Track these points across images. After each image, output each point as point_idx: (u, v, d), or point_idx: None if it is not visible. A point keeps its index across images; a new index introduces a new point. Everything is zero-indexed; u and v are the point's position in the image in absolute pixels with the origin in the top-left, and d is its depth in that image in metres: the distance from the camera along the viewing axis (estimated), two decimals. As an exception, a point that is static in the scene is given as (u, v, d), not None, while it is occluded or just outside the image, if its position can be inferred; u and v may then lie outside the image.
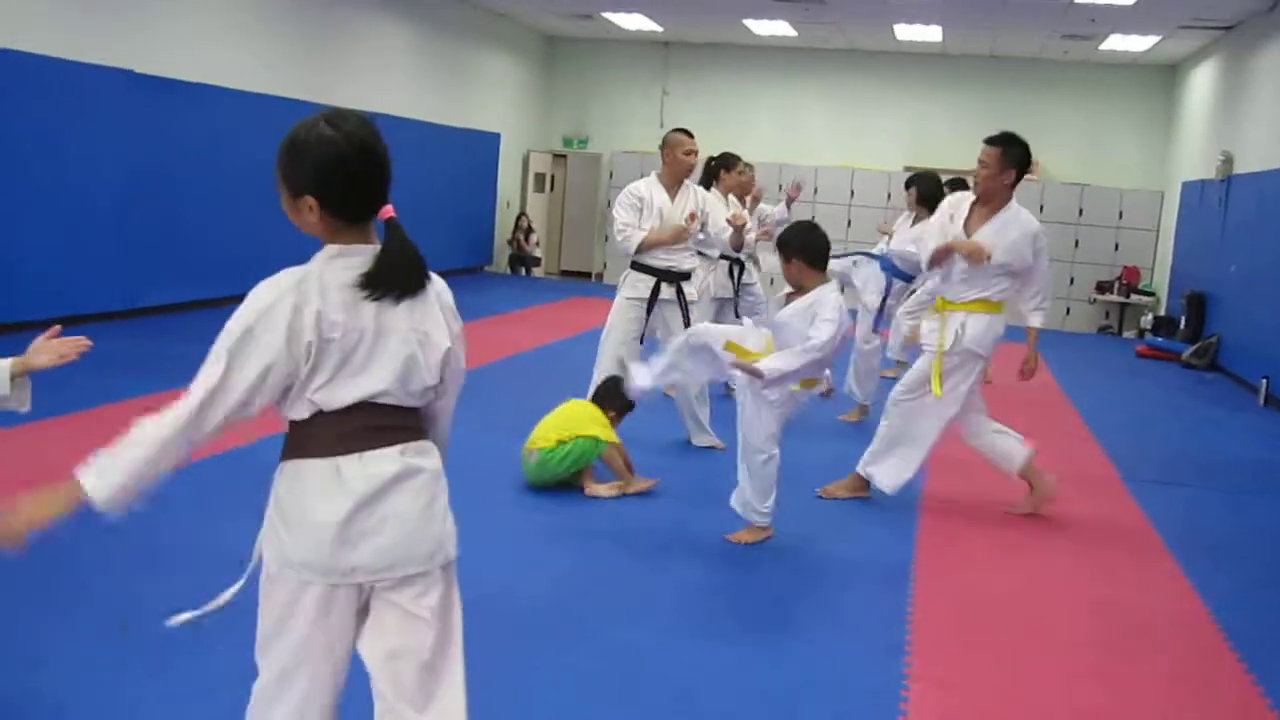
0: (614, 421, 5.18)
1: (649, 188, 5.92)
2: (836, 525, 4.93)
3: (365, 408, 1.95)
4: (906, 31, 13.49)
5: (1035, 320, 5.12)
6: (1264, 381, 9.18)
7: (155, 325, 8.47)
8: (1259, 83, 10.68)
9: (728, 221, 6.08)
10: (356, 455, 1.95)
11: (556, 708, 3.06)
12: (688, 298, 5.94)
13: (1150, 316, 13.27)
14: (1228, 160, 11.10)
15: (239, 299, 1.94)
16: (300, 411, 1.95)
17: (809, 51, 15.53)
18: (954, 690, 3.37)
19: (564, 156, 16.79)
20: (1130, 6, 10.78)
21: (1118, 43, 12.92)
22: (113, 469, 1.83)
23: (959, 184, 8.76)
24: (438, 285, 2.08)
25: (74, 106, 8.16)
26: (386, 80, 12.70)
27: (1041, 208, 13.07)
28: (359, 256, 1.95)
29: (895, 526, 4.96)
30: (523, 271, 15.72)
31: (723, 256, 7.23)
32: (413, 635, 2.01)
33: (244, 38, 10.23)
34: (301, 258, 1.98)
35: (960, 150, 14.95)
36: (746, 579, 4.21)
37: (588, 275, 16.31)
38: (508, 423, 5.37)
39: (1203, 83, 13.00)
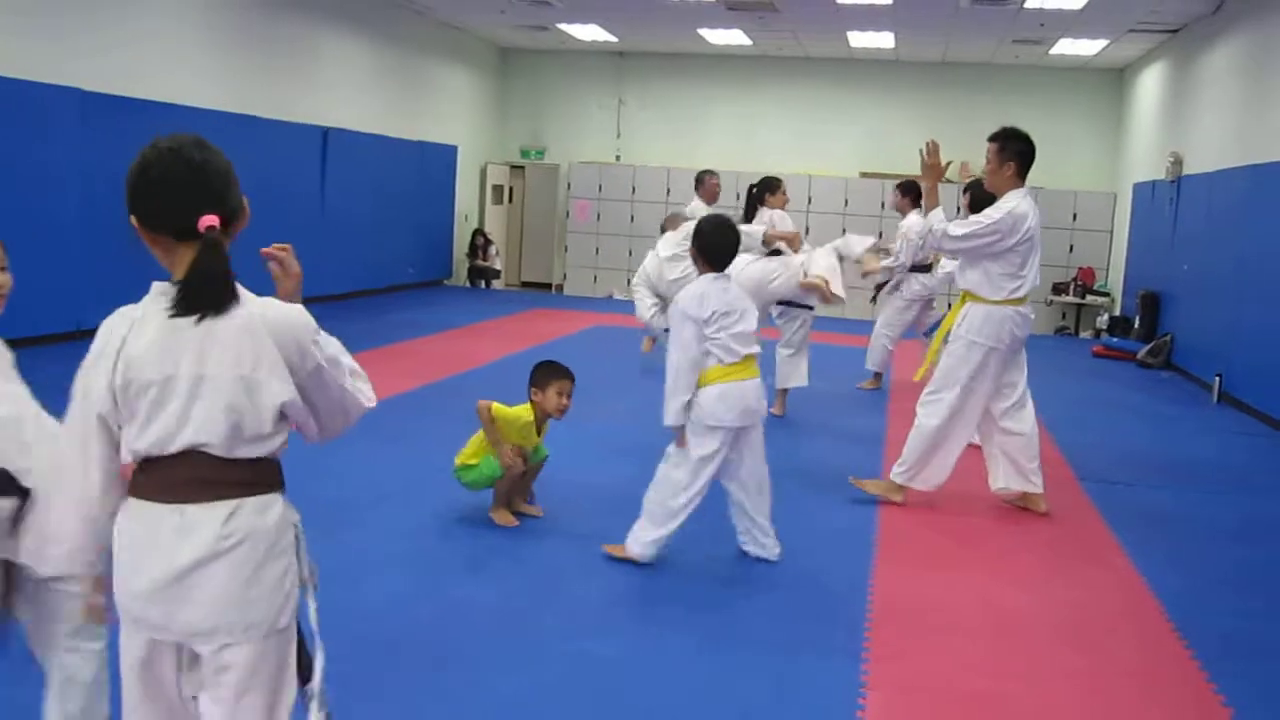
0: (539, 404, 4.70)
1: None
2: (797, 524, 4.91)
3: (190, 457, 1.87)
4: (860, 39, 13.59)
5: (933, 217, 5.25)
6: (1217, 379, 9.29)
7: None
8: (1206, 84, 10.84)
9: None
10: (178, 508, 1.87)
11: (512, 726, 3.03)
12: None
13: (1106, 317, 13.41)
14: (1177, 161, 11.25)
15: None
16: (126, 455, 1.91)
17: (764, 60, 15.61)
18: (912, 694, 3.37)
19: (522, 168, 16.75)
20: (1078, 11, 10.92)
21: (1067, 47, 13.08)
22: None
23: (911, 187, 8.90)
24: (286, 321, 1.92)
25: (29, 127, 8.04)
26: (342, 95, 12.63)
27: (996, 211, 13.17)
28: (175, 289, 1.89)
29: (853, 531, 4.96)
30: (483, 284, 15.65)
31: None
32: (217, 702, 1.94)
33: (199, 55, 10.13)
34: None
35: (916, 155, 15.07)
36: (704, 588, 4.19)
37: (548, 286, 16.27)
38: (463, 439, 5.31)
39: (1151, 85, 13.18)
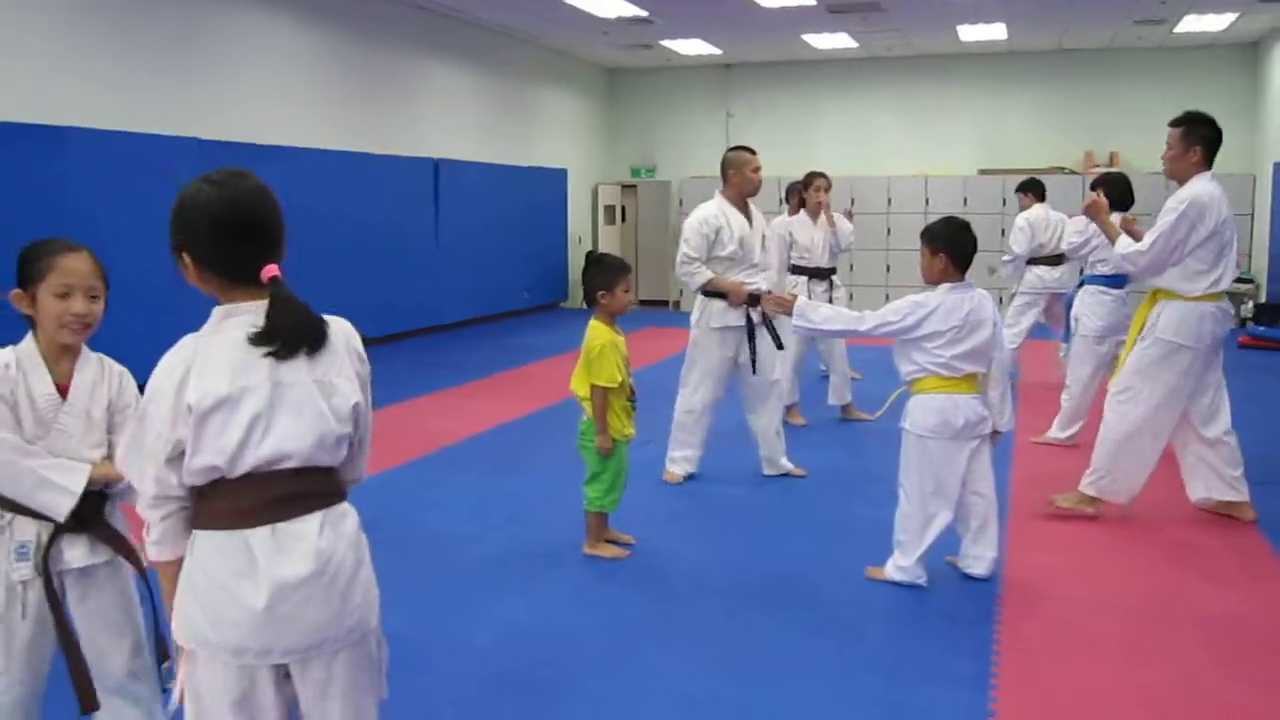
0: (606, 307, 4.53)
1: (721, 212, 5.63)
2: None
3: (272, 476, 1.86)
4: (970, 32, 13.18)
5: (1121, 244, 4.98)
6: (1378, 366, 8.66)
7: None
8: (1348, 52, 10.15)
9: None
10: (269, 529, 1.86)
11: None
12: (770, 316, 5.62)
13: (1251, 305, 12.67)
14: (1321, 136, 10.57)
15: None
16: (196, 479, 1.86)
17: (872, 61, 15.29)
18: (1047, 726, 3.14)
19: (633, 187, 16.75)
20: (1203, -15, 10.37)
21: (1193, 24, 12.43)
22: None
23: (1033, 184, 8.58)
24: (344, 329, 2.00)
25: (154, 177, 8.33)
26: (452, 126, 12.82)
27: (1126, 201, 12.59)
28: (247, 315, 1.89)
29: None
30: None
31: (802, 271, 7.34)
32: (329, 704, 1.94)
33: (309, 96, 10.39)
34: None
35: (1035, 149, 14.60)
36: (818, 615, 4.02)
37: (665, 304, 16.21)
38: (579, 464, 5.24)
39: (1288, 58, 12.45)
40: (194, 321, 1.95)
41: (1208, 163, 4.86)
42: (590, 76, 16.39)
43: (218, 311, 1.92)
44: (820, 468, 5.97)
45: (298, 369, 1.89)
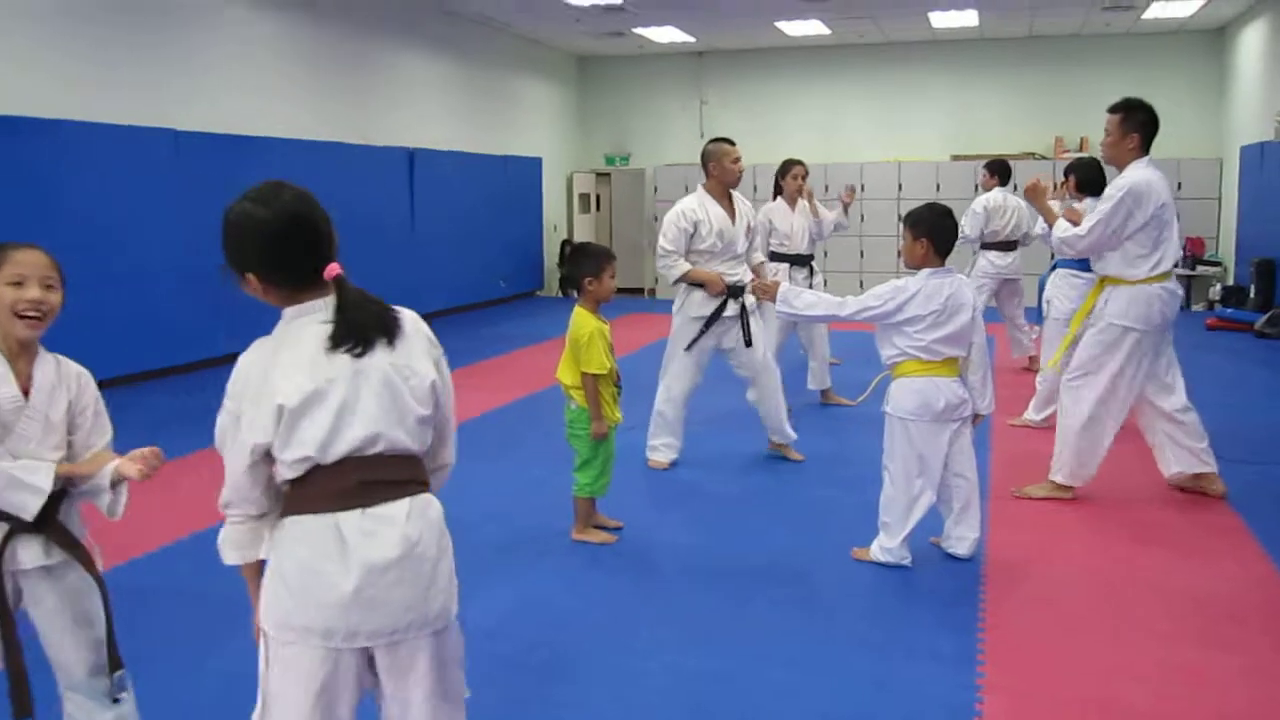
0: (593, 294, 4.56)
1: (702, 205, 5.66)
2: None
3: (361, 461, 1.92)
4: (942, 19, 13.28)
5: (1058, 227, 5.06)
6: (1344, 346, 8.83)
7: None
8: (1313, 38, 10.31)
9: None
10: (359, 511, 1.92)
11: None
12: (749, 310, 5.73)
13: (1218, 287, 12.86)
14: (1286, 120, 10.74)
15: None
16: (287, 473, 1.92)
17: (845, 48, 15.37)
18: (1031, 700, 3.22)
19: (607, 175, 16.77)
20: (1170, -28, 10.49)
21: (1160, 10, 12.57)
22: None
23: (998, 166, 8.68)
24: (412, 316, 2.08)
25: (127, 169, 8.28)
26: (425, 115, 12.79)
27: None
28: (318, 312, 1.97)
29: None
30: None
31: (782, 258, 7.37)
32: (411, 691, 2.00)
33: (282, 86, 10.35)
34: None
35: (1007, 135, 14.72)
36: (805, 594, 4.09)
37: (640, 291, 16.25)
38: (564, 448, 5.29)
39: (1254, 42, 12.61)
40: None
41: (1145, 149, 4.95)
42: (563, 65, 16.37)
43: (288, 313, 1.98)
44: (803, 452, 6.04)
45: (376, 357, 1.95)
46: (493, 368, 9.31)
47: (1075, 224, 5.06)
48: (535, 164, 15.27)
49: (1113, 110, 5.03)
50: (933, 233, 4.18)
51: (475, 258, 13.65)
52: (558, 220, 16.32)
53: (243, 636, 3.65)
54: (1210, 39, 14.13)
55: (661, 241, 5.69)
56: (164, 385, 8.18)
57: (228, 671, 3.29)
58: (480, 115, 14.10)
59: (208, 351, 8.66)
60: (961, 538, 4.36)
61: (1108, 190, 4.94)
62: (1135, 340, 4.94)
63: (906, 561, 4.29)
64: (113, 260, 8.15)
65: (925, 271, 4.18)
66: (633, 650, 3.58)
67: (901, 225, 4.34)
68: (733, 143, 5.78)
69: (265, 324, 2.01)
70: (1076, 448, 5.09)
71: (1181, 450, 5.15)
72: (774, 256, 7.35)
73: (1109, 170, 5.13)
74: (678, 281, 5.72)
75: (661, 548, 4.63)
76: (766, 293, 4.55)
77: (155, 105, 8.73)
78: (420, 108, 12.72)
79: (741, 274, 5.74)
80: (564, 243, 15.92)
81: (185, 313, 8.65)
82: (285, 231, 1.93)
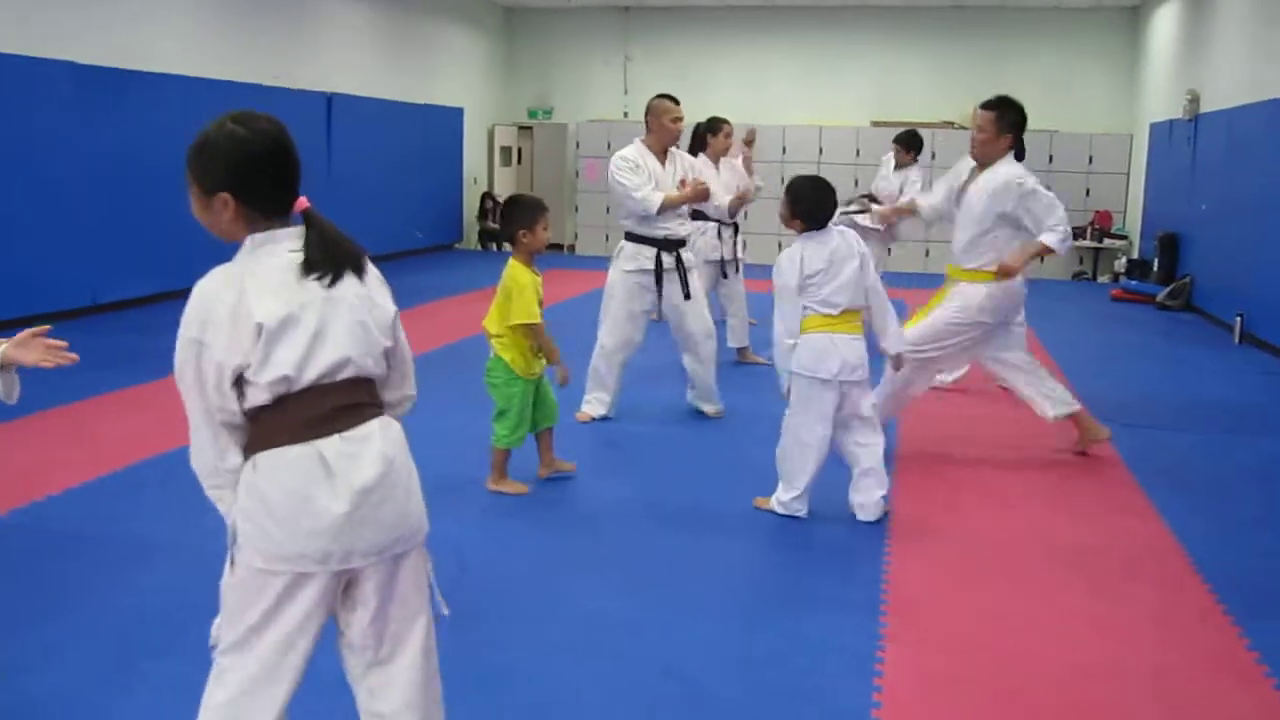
0: (526, 246, 4.59)
1: (640, 154, 5.70)
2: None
3: (332, 387, 1.95)
4: (868, -15, 13.36)
5: (1047, 238, 5.01)
6: (1238, 319, 9.18)
7: (120, 320, 8.37)
8: (1222, 20, 10.61)
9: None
10: (337, 437, 1.94)
11: (537, 682, 3.01)
12: (686, 265, 5.77)
13: (1124, 260, 13.24)
14: (1194, 99, 11.05)
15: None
16: (260, 397, 1.91)
17: (771, 10, 15.39)
18: (932, 648, 3.33)
19: (529, 128, 16.61)
20: (1090, -52, 10.68)
21: (1080, -14, 12.83)
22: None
23: (912, 139, 8.79)
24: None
25: (24, 103, 7.98)
26: (345, 60, 12.52)
27: (1011, 156, 13.00)
28: (286, 241, 1.97)
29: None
30: (494, 247, 15.57)
31: (708, 218, 7.29)
32: (390, 605, 2.05)
33: (198, 25, 10.04)
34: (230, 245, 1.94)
35: (927, 103, 14.91)
36: (721, 546, 4.16)
37: (560, 247, 16.18)
38: (480, 399, 5.28)
39: (1166, 23, 12.93)
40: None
41: (1015, 148, 5.06)
42: (488, 15, 16.13)
43: (255, 239, 1.96)
44: (721, 408, 6.11)
45: (345, 286, 1.99)
46: (409, 318, 9.13)
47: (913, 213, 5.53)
48: (457, 114, 15.06)
49: (987, 107, 5.07)
50: (801, 205, 4.45)
51: (393, 208, 13.44)
52: (478, 173, 16.14)
53: (154, 573, 3.62)
54: (1126, 18, 14.45)
55: (624, 186, 5.65)
56: (76, 325, 7.95)
57: (140, 608, 3.25)
58: (402, 62, 13.84)
59: (115, 294, 8.44)
60: (863, 504, 4.44)
61: (1010, 184, 4.97)
62: (981, 331, 5.17)
63: (801, 514, 4.39)
64: (12, 194, 7.87)
65: (803, 235, 4.39)
66: (549, 597, 3.62)
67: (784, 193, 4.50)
68: (677, 101, 5.80)
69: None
70: (889, 398, 5.25)
71: (1045, 395, 5.31)
72: (697, 216, 7.26)
73: (965, 162, 5.28)
74: (661, 210, 5.64)
75: (577, 499, 4.67)
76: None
77: (50, 34, 8.37)
78: (340, 52, 12.44)
79: (677, 228, 5.77)
80: (484, 195, 15.76)
81: (100, 248, 8.40)
82: (269, 152, 1.95)
